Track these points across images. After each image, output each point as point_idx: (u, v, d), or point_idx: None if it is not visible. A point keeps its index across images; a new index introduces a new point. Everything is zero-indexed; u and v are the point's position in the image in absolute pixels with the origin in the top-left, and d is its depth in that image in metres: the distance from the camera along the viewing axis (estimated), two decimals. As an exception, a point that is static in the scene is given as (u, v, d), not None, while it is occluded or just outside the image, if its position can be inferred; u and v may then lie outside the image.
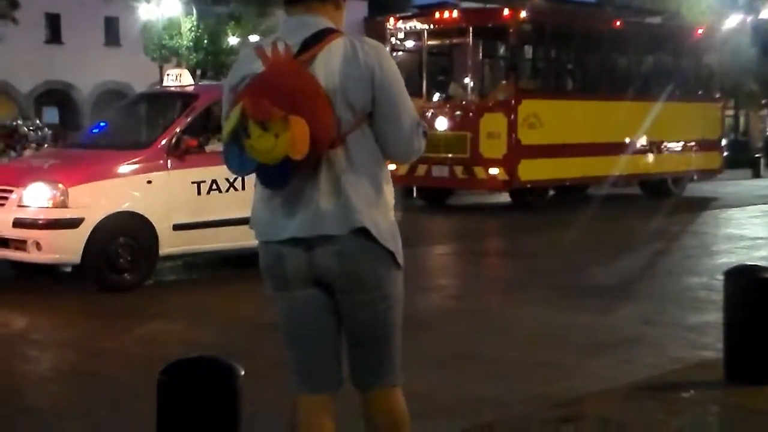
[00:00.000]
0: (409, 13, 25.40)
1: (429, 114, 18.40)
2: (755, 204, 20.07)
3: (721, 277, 6.36)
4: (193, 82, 13.60)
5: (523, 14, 19.42)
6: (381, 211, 3.50)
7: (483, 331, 7.50)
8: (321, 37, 3.45)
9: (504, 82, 19.61)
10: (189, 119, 10.53)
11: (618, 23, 22.14)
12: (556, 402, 5.67)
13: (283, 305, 3.66)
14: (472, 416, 5.38)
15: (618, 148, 20.20)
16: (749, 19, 31.48)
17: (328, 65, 3.42)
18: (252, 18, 39.18)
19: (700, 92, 22.34)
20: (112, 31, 45.41)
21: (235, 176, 10.27)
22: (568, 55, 21.29)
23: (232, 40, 39.49)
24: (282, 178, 3.37)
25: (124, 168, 9.80)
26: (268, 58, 3.43)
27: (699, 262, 11.80)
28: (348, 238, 3.46)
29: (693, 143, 22.08)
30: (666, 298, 9.44)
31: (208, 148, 10.46)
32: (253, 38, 41.78)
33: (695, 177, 22.81)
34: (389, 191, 3.59)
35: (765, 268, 6.25)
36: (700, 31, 22.92)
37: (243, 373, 3.63)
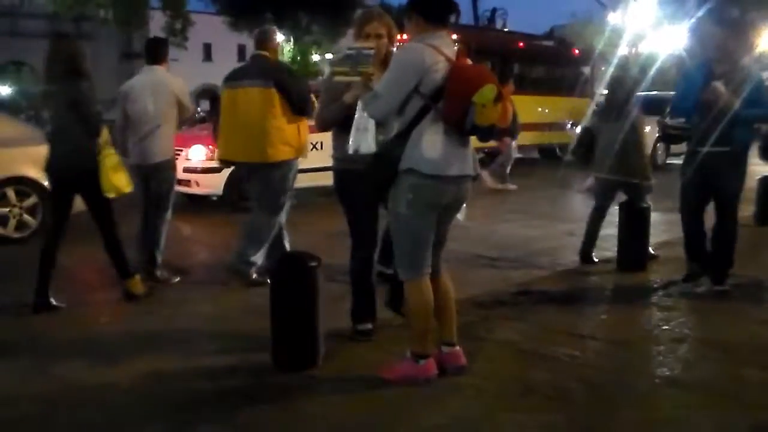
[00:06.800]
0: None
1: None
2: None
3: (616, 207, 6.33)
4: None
5: (454, 36, 18.58)
6: None
7: (470, 238, 7.35)
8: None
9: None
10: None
11: (522, 44, 20.95)
12: (516, 283, 5.75)
13: (423, 221, 3.38)
14: (463, 293, 5.36)
15: (525, 127, 19.29)
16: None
17: None
18: (327, 44, 39.42)
19: (577, 91, 21.18)
20: (241, 53, 45.47)
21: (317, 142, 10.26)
22: (491, 63, 20.30)
23: (315, 57, 40.29)
24: (493, 134, 3.31)
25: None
26: (451, 58, 3.31)
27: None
28: (471, 178, 3.50)
29: (572, 123, 21.11)
30: (582, 219, 9.29)
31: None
32: (328, 56, 41.77)
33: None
34: None
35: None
36: (577, 51, 21.81)
37: (318, 262, 3.75)
